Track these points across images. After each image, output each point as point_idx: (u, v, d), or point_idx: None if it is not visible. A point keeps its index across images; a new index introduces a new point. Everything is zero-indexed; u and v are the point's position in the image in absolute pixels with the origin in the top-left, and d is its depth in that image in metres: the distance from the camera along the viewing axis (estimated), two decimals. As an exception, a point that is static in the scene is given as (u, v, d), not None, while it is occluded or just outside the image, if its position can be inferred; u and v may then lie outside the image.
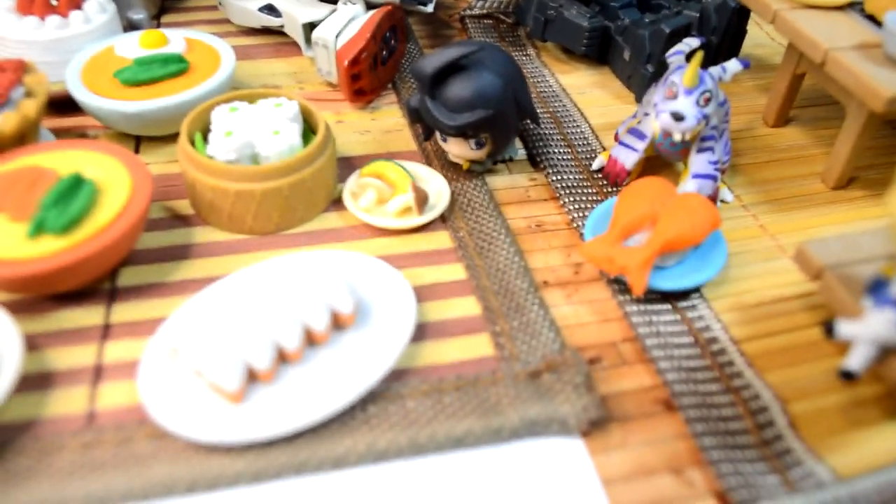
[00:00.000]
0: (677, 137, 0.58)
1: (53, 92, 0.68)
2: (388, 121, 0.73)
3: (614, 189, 0.65)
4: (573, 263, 0.59)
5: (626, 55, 0.78)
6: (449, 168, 0.67)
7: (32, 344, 0.51)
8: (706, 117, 0.58)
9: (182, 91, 0.65)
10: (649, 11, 0.81)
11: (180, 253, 0.58)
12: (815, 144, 0.73)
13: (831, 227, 0.63)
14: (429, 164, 0.67)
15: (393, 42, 0.78)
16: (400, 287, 0.54)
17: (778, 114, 0.74)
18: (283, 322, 0.47)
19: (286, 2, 0.80)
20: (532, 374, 0.50)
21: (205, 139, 0.61)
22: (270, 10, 0.81)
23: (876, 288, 0.47)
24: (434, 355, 0.51)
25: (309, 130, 0.64)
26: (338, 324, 0.51)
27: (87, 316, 0.53)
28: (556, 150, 0.70)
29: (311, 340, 0.49)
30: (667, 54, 0.64)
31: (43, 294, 0.53)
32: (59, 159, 0.56)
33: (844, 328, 0.47)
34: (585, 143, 0.71)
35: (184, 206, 0.62)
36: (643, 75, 0.76)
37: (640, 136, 0.64)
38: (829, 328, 0.47)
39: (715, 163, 0.61)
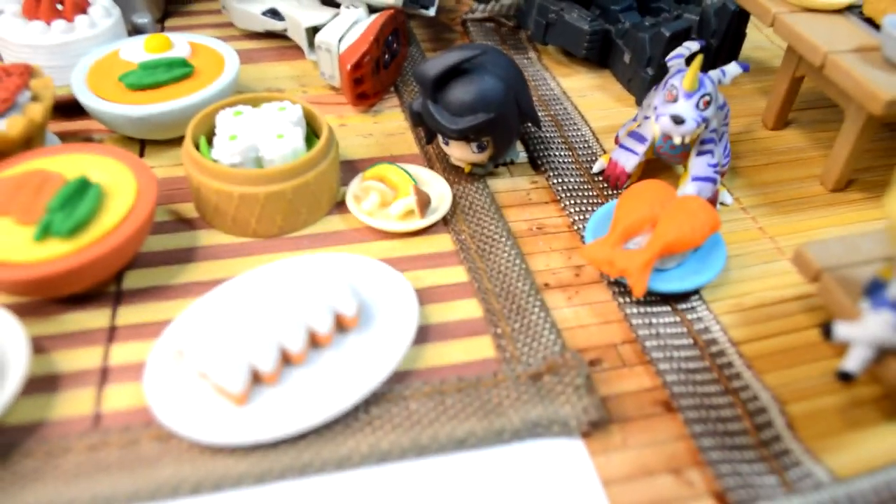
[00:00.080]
0: (677, 140, 0.59)
1: (59, 96, 0.69)
2: (390, 124, 0.74)
3: (615, 192, 0.66)
4: (574, 266, 0.59)
5: (627, 58, 0.78)
6: (451, 171, 0.67)
7: (39, 346, 0.51)
8: (706, 120, 0.59)
9: (186, 95, 0.66)
10: (649, 15, 0.82)
11: (185, 256, 0.58)
12: (813, 147, 0.73)
13: (830, 230, 0.64)
14: (431, 167, 0.68)
15: (395, 46, 0.78)
16: (402, 289, 0.54)
17: (777, 116, 0.75)
18: (287, 324, 0.48)
19: (289, 6, 0.81)
20: (533, 375, 0.50)
21: (209, 143, 0.62)
22: (273, 14, 0.82)
23: (873, 290, 0.47)
24: (436, 357, 0.52)
25: (312, 134, 0.64)
26: (341, 326, 0.51)
27: (93, 319, 0.53)
28: (557, 153, 0.70)
29: (314, 343, 0.50)
30: (667, 58, 0.64)
31: (49, 297, 0.54)
32: (65, 163, 0.56)
33: (842, 330, 0.47)
34: (586, 146, 0.71)
35: (188, 209, 0.63)
36: (643, 78, 0.76)
37: (640, 139, 0.64)
38: (826, 330, 0.48)
39: (714, 165, 0.62)
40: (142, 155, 0.69)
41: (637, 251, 0.54)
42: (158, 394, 0.47)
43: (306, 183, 0.58)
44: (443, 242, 0.61)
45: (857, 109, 0.63)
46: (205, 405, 0.46)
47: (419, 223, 0.60)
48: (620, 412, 0.49)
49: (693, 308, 0.56)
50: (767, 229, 0.64)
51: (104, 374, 0.50)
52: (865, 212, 0.66)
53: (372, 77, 0.73)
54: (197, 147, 0.61)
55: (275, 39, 0.86)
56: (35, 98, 0.62)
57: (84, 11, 0.73)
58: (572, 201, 0.65)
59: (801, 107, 0.78)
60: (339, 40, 0.73)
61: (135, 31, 0.81)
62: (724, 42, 0.80)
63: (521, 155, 0.70)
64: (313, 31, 0.79)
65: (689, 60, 0.64)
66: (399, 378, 0.50)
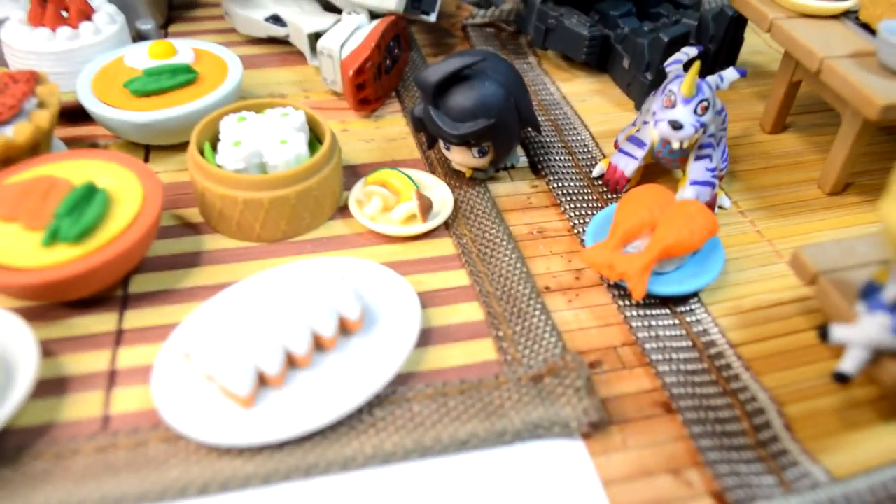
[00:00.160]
0: (675, 145, 0.60)
1: (64, 102, 0.69)
2: (392, 129, 0.75)
3: (614, 196, 0.67)
4: (574, 269, 0.60)
5: (626, 63, 0.79)
6: (452, 176, 0.68)
7: (47, 350, 0.52)
8: (704, 125, 0.59)
9: (191, 101, 0.66)
10: (648, 20, 0.83)
11: (190, 260, 0.59)
12: (811, 151, 0.74)
13: (827, 233, 0.65)
14: (432, 171, 0.69)
15: (396, 51, 0.79)
16: (405, 293, 0.55)
17: (775, 121, 0.75)
18: (293, 328, 0.48)
19: (292, 12, 0.82)
20: (534, 377, 0.51)
21: (214, 149, 0.63)
22: (276, 20, 0.83)
23: (869, 293, 0.48)
24: (438, 360, 0.52)
25: (315, 139, 0.65)
26: (345, 329, 0.52)
27: (101, 322, 0.54)
28: (557, 158, 0.71)
29: (319, 346, 0.51)
30: (665, 63, 0.65)
31: (57, 301, 0.54)
32: (71, 169, 0.57)
33: (838, 332, 0.48)
34: (586, 150, 0.72)
35: (193, 214, 0.63)
36: (642, 83, 0.77)
37: (639, 143, 0.65)
38: (823, 332, 0.48)
39: (713, 170, 0.62)
40: (146, 160, 0.69)
41: (636, 255, 0.55)
42: (166, 396, 0.48)
43: (310, 188, 0.59)
44: (444, 246, 0.62)
45: (854, 114, 0.63)
46: (212, 407, 0.47)
47: (421, 227, 0.61)
48: (620, 413, 0.50)
49: (692, 310, 0.57)
50: (765, 232, 0.64)
51: (112, 377, 0.50)
52: (862, 215, 0.66)
53: (374, 82, 0.74)
54: (202, 153, 0.61)
55: (277, 45, 0.87)
56: (41, 104, 0.62)
57: (89, 18, 0.73)
58: (572, 205, 0.65)
59: (798, 111, 0.79)
60: (341, 46, 0.74)
61: (139, 37, 0.82)
62: (722, 47, 0.81)
63: (522, 159, 0.71)
64: (315, 36, 0.79)
65: (687, 66, 0.65)
66: (402, 380, 0.51)
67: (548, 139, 0.73)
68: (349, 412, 0.48)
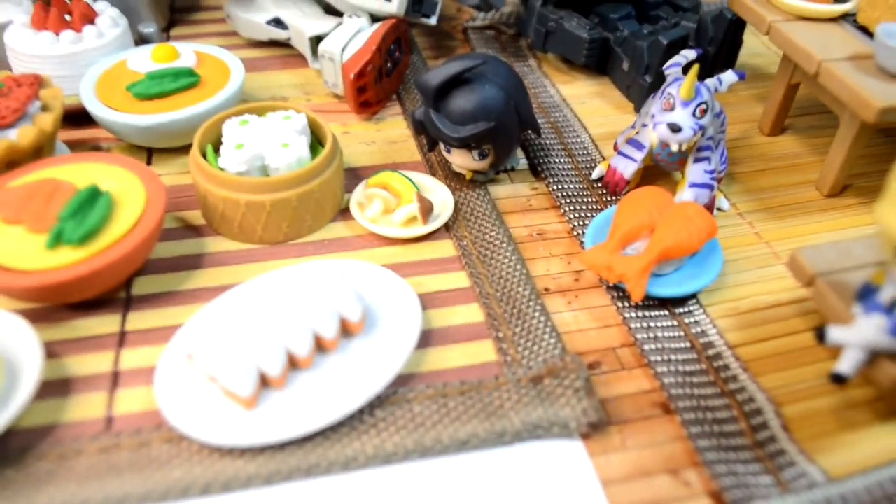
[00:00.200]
0: (674, 148, 0.60)
1: (67, 105, 0.70)
2: (392, 132, 0.75)
3: (613, 198, 0.67)
4: (574, 271, 0.61)
5: (626, 66, 0.80)
6: (452, 178, 0.69)
7: (51, 351, 0.52)
8: (702, 128, 0.60)
9: (193, 104, 0.67)
10: (648, 23, 0.83)
11: (192, 262, 0.60)
12: (809, 153, 0.75)
13: (825, 235, 0.65)
14: (433, 174, 0.69)
15: (397, 54, 0.79)
16: (406, 295, 0.55)
17: (773, 123, 0.76)
18: (294, 329, 0.49)
19: (293, 15, 0.82)
20: (534, 378, 0.51)
21: (216, 151, 0.63)
22: (278, 23, 0.83)
23: (865, 294, 0.48)
24: (439, 361, 0.53)
25: (317, 142, 0.65)
26: (346, 331, 0.52)
27: (104, 324, 0.54)
28: (556, 160, 0.71)
29: (320, 347, 0.51)
30: (664, 66, 0.65)
31: (61, 303, 0.55)
32: (75, 172, 0.58)
33: (835, 333, 0.48)
34: (585, 152, 0.73)
35: (195, 216, 0.64)
36: (642, 85, 0.77)
37: (638, 146, 0.65)
38: (820, 334, 0.49)
39: (711, 172, 0.63)
40: (149, 163, 0.70)
41: (635, 256, 0.56)
42: (169, 397, 0.48)
43: (311, 191, 0.59)
44: (445, 248, 0.62)
45: (851, 116, 0.64)
46: (214, 408, 0.48)
47: (422, 229, 0.62)
48: (619, 414, 0.50)
49: (690, 312, 0.57)
50: (764, 234, 0.65)
51: (115, 378, 0.51)
52: (860, 217, 0.67)
53: (374, 85, 0.75)
54: (204, 155, 0.62)
55: (279, 48, 0.87)
56: (45, 108, 0.63)
57: (92, 22, 0.74)
58: (572, 207, 0.66)
59: (797, 113, 0.79)
60: (343, 49, 0.74)
61: (141, 40, 0.82)
62: (721, 49, 0.81)
63: (522, 162, 0.71)
64: (317, 40, 0.80)
65: (686, 69, 0.65)
66: (403, 381, 0.51)
67: (548, 141, 0.74)
68: (350, 413, 0.49)
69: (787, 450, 0.48)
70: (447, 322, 0.56)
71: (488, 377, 0.52)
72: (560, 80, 0.84)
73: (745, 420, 0.49)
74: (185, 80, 0.68)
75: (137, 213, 0.55)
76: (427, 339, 0.54)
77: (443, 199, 0.65)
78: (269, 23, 0.83)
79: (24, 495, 0.44)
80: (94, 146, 0.71)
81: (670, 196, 0.60)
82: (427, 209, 0.62)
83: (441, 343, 0.54)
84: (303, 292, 0.51)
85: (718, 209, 0.67)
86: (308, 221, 0.61)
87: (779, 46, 0.69)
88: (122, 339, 0.54)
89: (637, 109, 0.79)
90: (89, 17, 0.74)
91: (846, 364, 0.48)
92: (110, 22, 0.75)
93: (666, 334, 0.55)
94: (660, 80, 0.74)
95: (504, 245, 0.62)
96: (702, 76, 0.78)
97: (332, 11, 0.83)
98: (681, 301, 0.58)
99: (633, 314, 0.57)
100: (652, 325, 0.56)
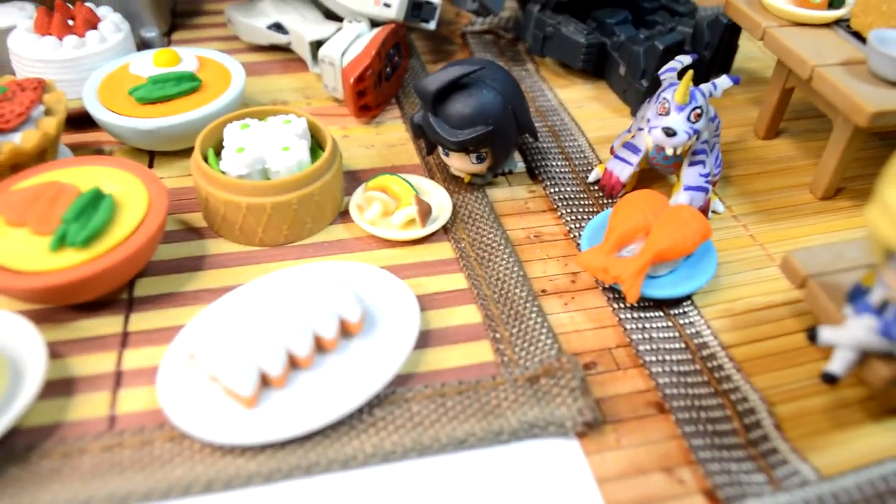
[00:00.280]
0: (669, 152, 0.61)
1: (70, 109, 0.71)
2: (392, 135, 0.76)
3: (610, 201, 0.68)
4: (570, 273, 0.61)
5: (622, 70, 0.80)
6: (451, 181, 0.69)
7: (55, 352, 0.53)
8: (697, 132, 0.61)
9: (195, 108, 0.68)
10: (644, 28, 0.84)
11: (194, 264, 0.60)
12: (804, 156, 0.75)
13: (819, 237, 0.66)
14: (431, 177, 0.70)
15: (396, 58, 0.80)
16: (404, 296, 0.56)
17: (768, 126, 0.77)
18: (295, 330, 0.49)
19: (293, 20, 0.83)
20: (530, 378, 0.52)
21: (217, 155, 0.64)
22: (278, 28, 0.84)
23: (855, 296, 0.49)
24: (437, 361, 0.54)
25: (317, 146, 0.66)
26: (346, 331, 0.53)
27: (107, 325, 0.55)
28: (554, 164, 0.72)
29: (320, 347, 0.52)
30: (660, 71, 0.66)
31: (65, 304, 0.56)
32: (78, 175, 0.58)
33: (826, 334, 0.49)
34: (582, 156, 0.73)
35: (196, 218, 0.65)
36: (638, 90, 0.78)
37: (634, 149, 0.66)
38: (811, 335, 0.49)
39: (706, 175, 0.63)
40: (151, 166, 0.71)
41: (630, 259, 0.56)
42: (171, 397, 0.49)
43: (311, 194, 0.60)
44: (443, 250, 0.63)
45: (845, 120, 0.65)
46: (216, 407, 0.48)
47: (420, 232, 0.62)
48: (614, 413, 0.51)
49: (685, 313, 0.58)
50: (758, 236, 0.65)
51: (118, 378, 0.52)
52: (854, 219, 0.68)
53: (374, 89, 0.75)
54: (206, 159, 0.63)
55: (279, 52, 0.88)
56: (48, 112, 0.64)
57: (95, 27, 0.75)
58: (569, 210, 0.67)
59: (791, 117, 0.80)
60: (342, 54, 0.75)
61: (143, 44, 0.83)
62: (716, 54, 0.82)
63: (520, 165, 0.72)
64: (317, 44, 0.81)
65: (681, 74, 0.66)
66: (401, 381, 0.52)
67: (545, 145, 0.75)
68: (350, 412, 0.49)
69: (780, 448, 0.49)
70: (445, 323, 0.56)
71: (486, 377, 0.52)
72: (557, 85, 0.85)
73: (738, 419, 0.50)
74: (187, 85, 0.69)
75: (140, 216, 0.56)
76: (425, 339, 0.55)
77: (441, 202, 0.66)
78: (269, 27, 0.84)
79: (28, 493, 0.45)
80: (96, 149, 0.72)
81: (665, 199, 0.61)
82: (425, 212, 0.62)
83: (439, 343, 0.55)
84: (303, 293, 0.52)
85: (713, 212, 0.67)
86: (308, 224, 0.62)
87: (773, 52, 0.70)
88: (124, 339, 0.54)
89: (633, 113, 0.80)
90: (92, 23, 0.75)
91: (837, 364, 0.49)
92: (113, 27, 0.75)
93: (661, 335, 0.56)
94: (656, 84, 0.74)
95: (501, 247, 0.62)
96: (697, 80, 0.80)
97: (332, 16, 0.84)
98: (676, 302, 0.59)
99: (629, 315, 0.57)
100: (647, 325, 0.57)
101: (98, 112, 0.68)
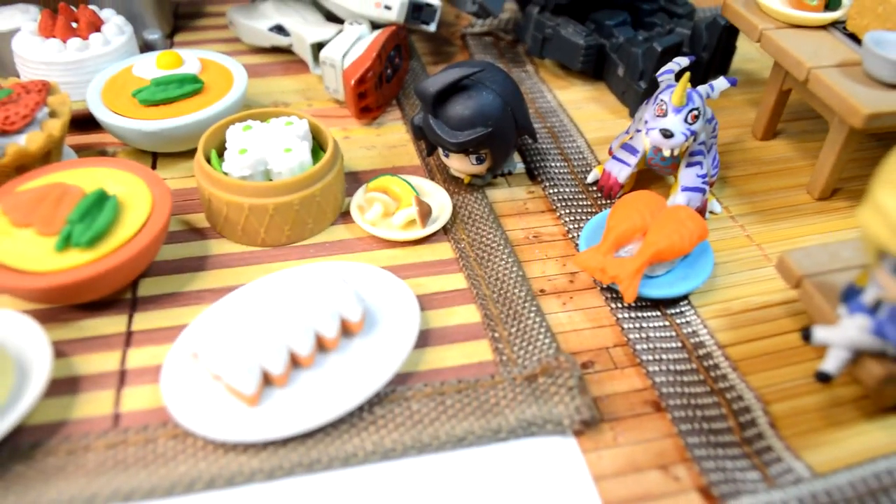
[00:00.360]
0: (667, 153, 0.62)
1: (74, 111, 0.72)
2: (392, 136, 0.77)
3: (608, 201, 0.69)
4: (569, 273, 0.62)
5: (621, 72, 0.81)
6: (451, 182, 0.70)
7: (60, 351, 0.54)
8: (694, 134, 0.61)
9: (197, 110, 0.68)
10: (643, 29, 0.85)
11: (197, 264, 0.61)
12: (801, 157, 0.76)
13: (816, 237, 0.66)
14: (432, 178, 0.71)
15: (397, 60, 0.81)
16: (405, 296, 0.57)
17: (766, 127, 0.77)
18: (296, 329, 0.50)
19: (295, 22, 0.84)
20: (529, 377, 0.53)
21: (220, 156, 0.64)
22: (279, 30, 0.85)
23: (849, 296, 0.50)
24: (437, 360, 0.54)
25: (318, 147, 0.67)
26: (347, 331, 0.54)
27: (111, 324, 0.56)
28: (553, 164, 0.73)
29: (322, 346, 0.53)
30: (657, 73, 0.67)
31: (69, 304, 0.56)
32: (83, 176, 0.59)
33: (820, 334, 0.49)
34: (581, 157, 0.74)
35: (199, 219, 0.65)
36: (636, 91, 0.79)
37: (632, 151, 0.67)
38: (806, 334, 0.50)
39: (703, 176, 0.64)
40: (154, 167, 0.71)
41: (628, 259, 0.57)
42: (174, 395, 0.49)
43: (313, 195, 0.61)
44: (443, 250, 0.63)
45: (841, 122, 0.65)
46: (218, 405, 0.49)
47: (420, 232, 0.63)
48: (612, 412, 0.51)
49: (682, 313, 0.58)
50: (755, 237, 0.66)
51: (122, 377, 0.52)
52: (850, 220, 0.68)
53: (375, 91, 0.76)
54: (208, 160, 0.63)
55: (280, 54, 0.89)
56: (53, 114, 0.64)
57: (98, 29, 0.75)
58: (567, 211, 0.67)
59: (789, 118, 0.81)
60: (343, 56, 0.76)
61: (146, 46, 0.84)
62: (714, 55, 0.83)
63: (519, 166, 0.73)
64: (318, 46, 0.81)
65: (678, 76, 0.67)
66: (401, 380, 0.53)
67: (544, 146, 0.75)
68: (350, 410, 0.50)
69: (774, 446, 0.49)
70: (445, 322, 0.57)
71: (485, 376, 0.53)
72: (557, 86, 0.86)
73: (733, 417, 0.51)
74: (190, 87, 0.70)
75: (144, 217, 0.56)
76: (425, 338, 0.56)
77: (441, 203, 0.66)
78: (271, 30, 0.85)
79: (34, 490, 0.45)
80: (100, 151, 0.73)
81: (663, 200, 0.61)
82: (426, 212, 0.63)
83: (439, 343, 0.56)
84: (304, 293, 0.53)
85: (711, 212, 0.68)
86: (310, 224, 0.63)
87: (770, 54, 0.71)
88: (128, 338, 0.55)
89: (632, 114, 0.81)
90: (95, 25, 0.75)
91: (831, 363, 0.50)
92: (116, 29, 0.76)
93: (658, 334, 0.57)
94: (654, 85, 0.75)
95: (501, 247, 0.63)
96: (696, 82, 0.80)
97: (333, 19, 0.85)
98: (672, 302, 0.59)
99: (626, 315, 0.58)
100: (644, 325, 0.57)
101: (102, 114, 0.68)
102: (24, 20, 0.77)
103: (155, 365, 0.53)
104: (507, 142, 0.65)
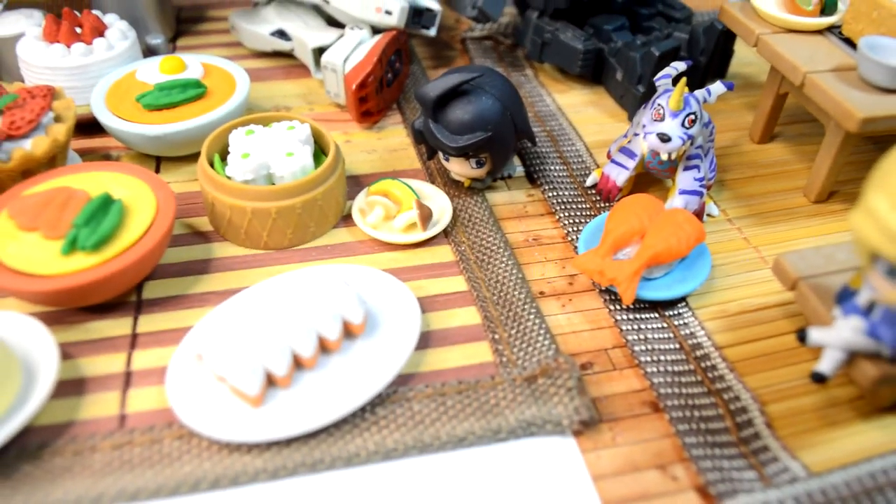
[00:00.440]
0: (664, 157, 0.62)
1: (79, 115, 0.72)
2: (393, 140, 0.77)
3: (607, 205, 0.69)
4: (568, 275, 0.63)
5: (619, 76, 0.82)
6: (451, 185, 0.71)
7: (66, 353, 0.55)
8: (691, 138, 0.62)
9: (200, 115, 0.69)
10: (641, 34, 0.85)
11: (200, 267, 0.62)
12: (798, 160, 0.77)
13: (812, 240, 0.67)
14: (432, 181, 0.71)
15: (398, 65, 0.82)
16: (406, 298, 0.57)
17: (763, 131, 0.78)
18: (299, 331, 0.51)
19: (296, 27, 0.84)
20: (528, 378, 0.53)
21: (223, 160, 0.65)
22: (281, 34, 0.85)
23: (843, 297, 0.50)
24: (437, 361, 0.55)
25: (320, 151, 0.68)
26: (349, 333, 0.55)
27: (117, 327, 0.57)
28: (552, 168, 0.74)
29: (324, 348, 0.53)
30: (655, 78, 0.67)
31: (75, 306, 0.57)
32: (88, 180, 0.60)
33: (815, 335, 0.50)
34: (580, 160, 0.75)
35: (202, 222, 0.66)
36: (635, 95, 0.80)
37: (630, 154, 0.68)
38: (801, 335, 0.51)
39: (701, 179, 0.65)
40: (157, 171, 0.72)
41: (626, 261, 0.58)
42: (179, 396, 0.50)
43: (315, 198, 0.62)
44: (444, 253, 0.64)
45: (836, 126, 0.66)
46: (223, 406, 0.50)
47: (421, 235, 0.64)
48: (610, 412, 0.52)
49: (679, 314, 0.59)
50: (752, 239, 0.67)
51: (128, 378, 0.53)
52: (846, 222, 0.69)
53: (376, 95, 0.77)
54: (212, 164, 0.64)
55: (282, 58, 0.90)
56: (58, 119, 0.65)
57: (102, 34, 0.76)
58: (566, 214, 0.68)
59: (786, 121, 0.81)
60: (345, 60, 0.76)
61: (149, 51, 0.85)
62: (712, 59, 0.84)
63: (519, 169, 0.74)
64: (319, 51, 0.82)
65: (675, 80, 0.68)
66: (403, 381, 0.53)
67: (543, 149, 0.76)
68: (353, 411, 0.51)
69: (771, 446, 0.50)
70: (446, 324, 0.58)
71: (485, 377, 0.54)
72: (556, 90, 0.86)
73: (730, 418, 0.52)
74: (193, 92, 0.70)
75: (148, 220, 0.57)
76: (426, 340, 0.56)
77: (442, 206, 0.67)
78: (272, 34, 0.86)
79: (41, 489, 0.46)
80: (104, 155, 0.73)
81: (660, 203, 0.62)
82: (426, 216, 0.64)
83: (440, 344, 0.56)
84: (307, 296, 0.53)
85: (708, 215, 0.69)
86: (312, 228, 0.64)
87: (766, 58, 0.72)
88: (133, 340, 0.56)
89: (630, 118, 0.81)
90: (99, 30, 0.76)
91: (826, 364, 0.50)
92: (119, 34, 0.77)
93: (656, 336, 0.57)
94: (652, 89, 0.76)
95: (501, 250, 0.64)
96: (694, 85, 0.81)
97: (334, 23, 0.85)
98: (670, 304, 0.60)
99: (625, 317, 0.59)
100: (642, 327, 0.58)
101: (106, 118, 0.69)
102: (29, 25, 0.78)
103: (160, 366, 0.54)
104: (506, 146, 0.66)
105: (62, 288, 0.53)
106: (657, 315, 0.59)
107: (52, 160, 0.64)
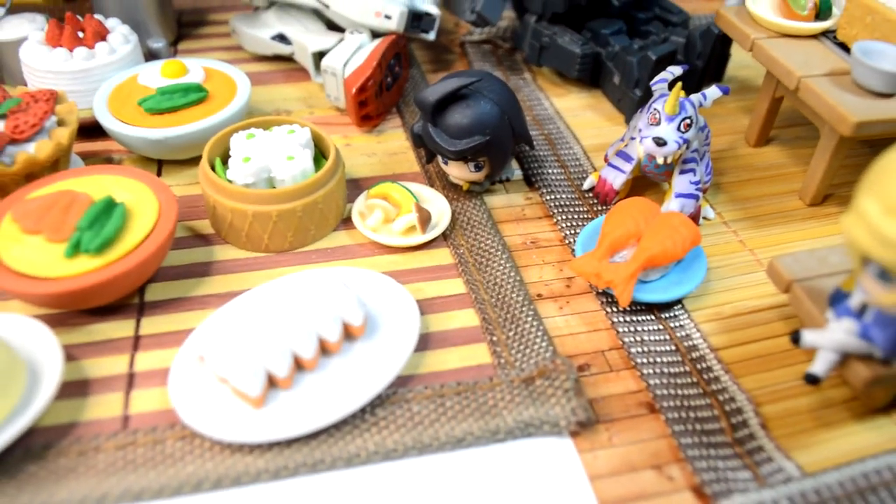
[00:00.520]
0: (660, 160, 0.63)
1: (81, 119, 0.73)
2: (392, 144, 0.78)
3: (604, 207, 0.70)
4: (565, 277, 0.63)
5: (616, 80, 0.82)
6: (450, 189, 0.71)
7: (70, 355, 0.55)
8: (687, 142, 0.63)
9: (202, 119, 0.70)
10: (638, 38, 0.86)
11: (202, 270, 0.62)
12: (793, 163, 0.77)
13: (808, 242, 0.68)
14: (431, 185, 0.72)
15: (397, 69, 0.82)
16: (405, 300, 0.58)
17: (759, 134, 0.79)
18: (300, 333, 0.51)
19: (297, 31, 0.85)
20: (526, 379, 0.54)
21: (224, 164, 0.66)
22: (282, 38, 0.86)
23: (836, 300, 0.51)
24: (436, 363, 0.56)
25: (320, 154, 0.68)
26: (349, 334, 0.55)
27: (120, 329, 0.57)
28: (550, 171, 0.74)
29: (325, 350, 0.54)
30: (651, 82, 0.68)
31: (79, 309, 0.58)
32: (90, 184, 0.60)
33: (809, 337, 0.51)
34: (577, 163, 0.76)
35: (204, 225, 0.67)
36: (632, 98, 0.80)
37: (627, 158, 0.68)
38: (795, 337, 0.51)
39: (696, 183, 0.66)
40: (159, 174, 0.73)
41: (623, 264, 0.58)
42: (182, 397, 0.51)
43: (315, 201, 0.62)
44: (442, 256, 0.65)
45: (831, 129, 0.66)
46: (225, 407, 0.50)
47: (420, 238, 0.64)
48: (607, 413, 0.53)
49: (675, 317, 0.60)
50: (747, 242, 0.67)
51: (131, 380, 0.54)
52: (840, 225, 0.69)
53: (375, 99, 0.77)
54: (213, 168, 0.65)
55: (282, 62, 0.90)
56: (61, 123, 0.66)
57: (104, 38, 0.76)
58: (564, 217, 0.69)
59: (781, 125, 0.82)
60: (345, 65, 0.77)
61: (150, 55, 0.85)
62: (709, 63, 0.84)
63: (517, 173, 0.74)
64: (319, 55, 0.83)
65: (672, 85, 0.68)
66: (402, 382, 0.54)
67: (541, 153, 0.77)
68: (353, 412, 0.51)
69: (766, 447, 0.51)
70: (444, 326, 0.58)
71: (483, 378, 0.54)
72: (554, 93, 0.87)
73: (725, 419, 0.52)
74: (194, 96, 0.71)
75: (151, 224, 0.58)
76: (425, 342, 0.57)
77: (440, 209, 0.68)
78: (273, 38, 0.86)
79: (46, 490, 0.47)
80: (106, 158, 0.74)
81: (657, 206, 0.63)
82: (425, 219, 0.64)
83: (438, 346, 0.57)
84: (307, 298, 0.54)
85: (704, 218, 0.69)
86: (312, 231, 0.64)
87: (761, 63, 0.72)
88: (136, 342, 0.56)
89: (627, 121, 0.82)
90: (101, 34, 0.76)
91: (819, 365, 0.51)
92: (122, 39, 0.77)
93: (652, 338, 0.58)
94: (649, 93, 0.77)
95: (499, 253, 0.64)
96: (691, 89, 0.82)
97: (334, 28, 0.86)
98: (666, 306, 0.61)
99: (621, 319, 0.59)
100: (639, 329, 0.59)
101: (108, 122, 0.70)
102: (32, 29, 0.79)
103: (163, 368, 0.54)
104: (504, 150, 0.67)
105: (66, 290, 0.53)
106: (653, 317, 0.60)
107: (56, 164, 0.64)
